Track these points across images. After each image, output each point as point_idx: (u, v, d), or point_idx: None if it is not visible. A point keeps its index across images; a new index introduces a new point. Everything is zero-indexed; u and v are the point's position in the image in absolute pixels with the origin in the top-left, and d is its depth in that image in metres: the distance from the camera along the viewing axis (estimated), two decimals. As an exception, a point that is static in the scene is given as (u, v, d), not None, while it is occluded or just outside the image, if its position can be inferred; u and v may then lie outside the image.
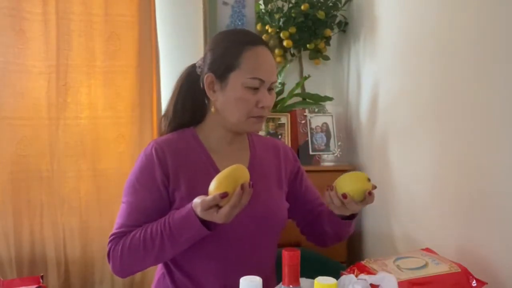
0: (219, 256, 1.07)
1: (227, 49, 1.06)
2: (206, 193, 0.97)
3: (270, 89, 1.08)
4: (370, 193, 1.02)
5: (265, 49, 1.07)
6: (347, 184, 1.03)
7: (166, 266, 1.13)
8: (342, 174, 1.06)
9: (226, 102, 1.07)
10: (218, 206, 0.92)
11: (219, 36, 1.13)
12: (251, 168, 1.10)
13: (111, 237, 1.07)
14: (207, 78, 1.08)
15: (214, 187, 0.93)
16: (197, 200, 0.94)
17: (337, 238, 1.21)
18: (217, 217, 0.92)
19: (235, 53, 1.05)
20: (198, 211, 0.93)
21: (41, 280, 1.65)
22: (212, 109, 1.10)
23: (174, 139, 1.12)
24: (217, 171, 1.07)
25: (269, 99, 1.07)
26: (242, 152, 1.17)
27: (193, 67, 1.15)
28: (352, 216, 1.14)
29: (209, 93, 1.09)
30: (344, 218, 1.12)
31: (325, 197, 1.07)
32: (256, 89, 1.05)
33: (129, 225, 1.06)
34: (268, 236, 1.15)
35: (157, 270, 1.18)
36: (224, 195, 0.90)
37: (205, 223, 0.95)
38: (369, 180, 1.03)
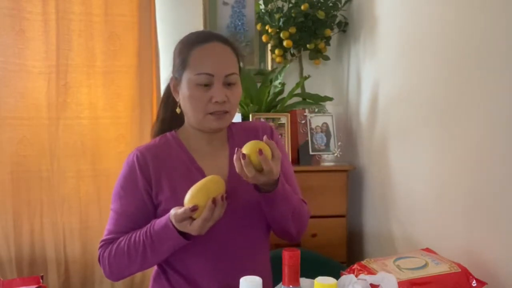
0: (208, 253, 1.07)
1: (180, 51, 1.10)
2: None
3: (229, 84, 1.06)
4: (260, 152, 0.94)
5: (216, 44, 1.07)
6: (246, 147, 0.97)
7: (160, 265, 1.14)
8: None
9: (183, 101, 1.09)
10: (191, 218, 0.94)
11: (180, 39, 1.16)
12: (231, 160, 1.04)
13: (101, 244, 1.09)
14: (171, 81, 1.13)
15: (187, 199, 0.94)
16: (172, 212, 0.96)
17: (278, 223, 1.10)
18: (190, 229, 0.94)
19: (185, 53, 1.07)
20: (174, 222, 0.96)
21: (41, 280, 1.65)
22: (177, 110, 1.13)
23: (156, 144, 1.14)
24: (198, 169, 1.10)
25: (222, 94, 1.03)
26: (222, 148, 1.16)
27: None
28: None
29: (174, 95, 1.13)
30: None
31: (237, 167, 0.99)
32: (207, 85, 1.04)
33: (117, 231, 1.09)
34: (256, 227, 1.13)
35: (153, 270, 1.18)
36: (194, 209, 0.92)
37: (183, 233, 0.97)
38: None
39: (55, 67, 1.95)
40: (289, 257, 0.69)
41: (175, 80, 1.11)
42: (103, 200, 2.04)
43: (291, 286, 0.69)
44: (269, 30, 2.15)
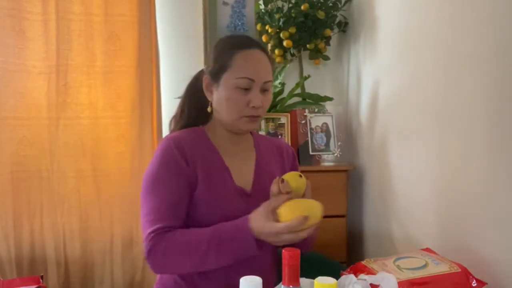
0: None
1: (221, 52, 1.12)
2: (221, 191, 1.06)
3: (264, 90, 1.11)
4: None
5: (258, 52, 1.11)
6: (287, 174, 1.07)
7: None
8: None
9: (219, 102, 1.12)
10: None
11: (219, 40, 1.19)
12: (257, 168, 1.17)
13: (151, 235, 1.03)
14: (204, 80, 1.15)
15: (303, 209, 0.96)
16: (262, 220, 0.96)
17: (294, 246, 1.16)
18: (279, 239, 0.95)
19: (228, 55, 1.10)
20: (260, 226, 0.96)
21: (41, 280, 1.65)
22: (209, 109, 1.16)
23: (187, 135, 1.15)
24: (226, 169, 1.13)
25: (259, 99, 1.08)
26: (249, 152, 1.21)
27: (201, 71, 1.22)
28: None
29: (207, 94, 1.15)
30: None
31: (272, 189, 1.06)
32: (247, 89, 1.08)
33: (165, 220, 1.05)
34: None
35: None
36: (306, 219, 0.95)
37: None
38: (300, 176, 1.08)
39: (55, 67, 1.95)
40: (289, 257, 0.69)
41: (210, 79, 1.13)
42: (103, 200, 2.04)
43: (291, 286, 0.69)
44: (269, 30, 2.15)
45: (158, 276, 1.19)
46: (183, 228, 1.06)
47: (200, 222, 1.06)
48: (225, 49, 1.12)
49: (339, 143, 2.10)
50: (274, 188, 1.04)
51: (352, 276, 0.94)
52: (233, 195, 1.12)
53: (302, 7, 2.08)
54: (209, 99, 1.15)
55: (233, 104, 1.09)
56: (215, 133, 1.17)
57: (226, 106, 1.10)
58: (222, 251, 0.99)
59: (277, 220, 0.96)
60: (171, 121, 1.26)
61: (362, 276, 0.96)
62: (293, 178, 1.04)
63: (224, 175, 1.12)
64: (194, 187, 1.08)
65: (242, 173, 1.16)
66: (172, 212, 1.06)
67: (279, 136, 2.06)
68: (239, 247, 0.99)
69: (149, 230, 1.04)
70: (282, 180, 1.03)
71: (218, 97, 1.11)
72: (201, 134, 1.17)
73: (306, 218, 0.94)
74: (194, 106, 1.21)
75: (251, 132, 1.25)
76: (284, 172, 1.22)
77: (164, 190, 1.07)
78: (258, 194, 1.12)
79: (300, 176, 1.06)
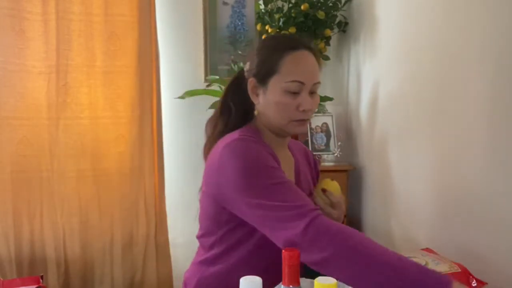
0: (273, 252, 0.94)
1: (269, 55, 1.06)
2: None
3: (312, 92, 1.07)
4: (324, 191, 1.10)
5: (306, 53, 1.06)
6: (320, 185, 1.14)
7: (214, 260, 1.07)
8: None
9: (267, 106, 1.06)
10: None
11: (264, 41, 1.15)
12: (296, 172, 1.15)
13: (315, 212, 0.88)
14: (250, 83, 1.09)
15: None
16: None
17: None
18: None
19: (276, 58, 1.05)
20: None
21: (41, 280, 1.65)
22: (255, 112, 1.11)
23: (251, 135, 1.06)
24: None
25: (310, 103, 1.04)
26: (289, 156, 1.17)
27: (242, 71, 1.15)
28: None
29: (252, 97, 1.10)
30: None
31: (319, 202, 1.07)
32: (296, 93, 1.03)
33: (304, 198, 0.93)
34: None
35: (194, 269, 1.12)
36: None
37: None
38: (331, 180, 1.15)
39: (55, 67, 1.95)
40: (289, 257, 0.69)
41: (256, 82, 1.08)
42: (103, 200, 2.04)
43: (291, 286, 0.69)
44: (269, 30, 2.15)
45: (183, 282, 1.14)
46: None
47: (251, 226, 0.96)
48: (272, 51, 1.06)
49: (339, 143, 2.10)
50: (319, 201, 1.05)
51: (352, 276, 0.94)
52: None
53: (302, 7, 2.08)
54: (255, 102, 1.09)
55: (283, 108, 1.04)
56: (265, 136, 1.10)
57: (275, 110, 1.05)
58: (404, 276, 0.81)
59: None
60: (207, 123, 1.17)
61: (362, 276, 0.95)
62: (331, 186, 1.09)
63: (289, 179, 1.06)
64: None
65: (287, 176, 1.08)
66: (299, 192, 0.94)
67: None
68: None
69: (306, 219, 0.86)
70: (325, 191, 1.06)
71: (265, 101, 1.06)
72: (259, 136, 1.09)
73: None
74: (240, 106, 1.13)
75: None
76: (313, 177, 1.24)
77: (278, 173, 0.96)
78: None
79: (332, 180, 1.11)
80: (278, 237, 0.89)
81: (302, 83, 1.03)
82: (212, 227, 1.06)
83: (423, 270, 0.83)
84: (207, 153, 1.11)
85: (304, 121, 1.07)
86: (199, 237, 1.12)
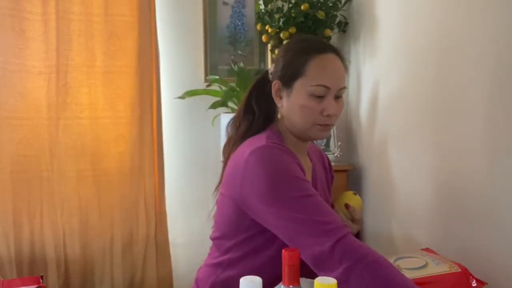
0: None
1: (294, 57, 1.05)
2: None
3: (338, 97, 1.05)
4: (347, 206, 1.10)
5: (332, 56, 1.04)
6: (344, 199, 1.13)
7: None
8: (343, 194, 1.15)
9: (291, 109, 1.05)
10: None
11: (290, 43, 1.13)
12: (314, 177, 1.13)
13: (339, 235, 0.86)
14: (274, 85, 1.08)
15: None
16: None
17: None
18: None
19: (301, 61, 1.03)
20: None
21: (41, 280, 1.65)
22: (279, 115, 1.09)
23: (277, 138, 1.05)
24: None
25: (334, 107, 1.03)
26: (307, 160, 1.15)
27: (267, 73, 1.14)
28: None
29: (276, 99, 1.08)
30: None
31: (341, 215, 1.07)
32: (321, 97, 1.02)
33: (337, 221, 0.91)
34: None
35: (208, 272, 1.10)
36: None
37: None
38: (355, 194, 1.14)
39: (55, 67, 1.95)
40: (289, 257, 0.69)
41: (280, 85, 1.06)
42: (103, 200, 2.04)
43: (291, 286, 0.69)
44: (269, 30, 2.15)
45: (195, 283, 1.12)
46: None
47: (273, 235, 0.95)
48: (298, 54, 1.04)
49: (339, 143, 2.10)
50: (342, 216, 1.04)
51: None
52: None
53: (302, 7, 2.08)
54: (278, 105, 1.07)
55: (307, 112, 1.02)
56: (287, 140, 1.08)
57: (299, 114, 1.03)
58: None
59: None
60: (230, 124, 1.15)
61: (362, 276, 0.95)
62: (355, 202, 1.09)
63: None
64: None
65: None
66: (326, 206, 0.92)
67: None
68: None
69: (334, 238, 0.86)
70: (348, 206, 1.07)
71: (290, 104, 1.04)
72: (283, 141, 1.07)
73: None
74: (264, 109, 1.11)
75: None
76: (328, 180, 1.23)
77: (307, 186, 0.94)
78: None
79: (355, 194, 1.09)
80: (304, 253, 0.87)
81: (327, 87, 1.01)
82: (231, 231, 1.04)
83: None
84: (228, 153, 1.10)
85: (328, 126, 1.05)
86: (214, 238, 1.09)
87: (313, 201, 0.92)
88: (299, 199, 0.91)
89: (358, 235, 1.12)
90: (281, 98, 1.07)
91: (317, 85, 1.01)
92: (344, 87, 1.06)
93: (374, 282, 0.82)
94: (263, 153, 0.96)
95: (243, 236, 1.02)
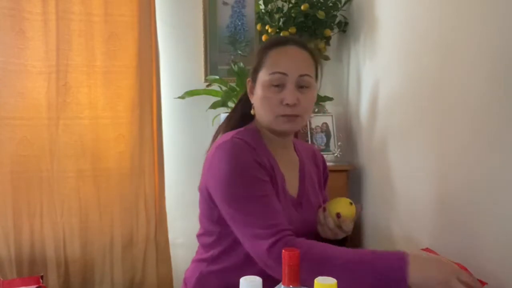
0: None
1: (258, 54, 1.09)
2: (282, 199, 1.01)
3: (302, 86, 1.03)
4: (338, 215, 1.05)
5: (293, 47, 1.05)
6: (338, 206, 1.07)
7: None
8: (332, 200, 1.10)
9: (257, 103, 1.07)
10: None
11: (260, 43, 1.16)
12: (301, 174, 1.13)
13: (277, 237, 0.90)
14: (247, 83, 1.11)
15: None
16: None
17: None
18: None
19: (262, 55, 1.06)
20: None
21: (41, 280, 1.65)
22: (252, 112, 1.10)
23: (249, 135, 1.05)
24: (281, 174, 1.06)
25: (294, 96, 1.00)
26: (293, 157, 1.16)
27: None
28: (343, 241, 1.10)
29: (250, 97, 1.10)
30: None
31: (319, 218, 1.07)
32: (280, 86, 1.02)
33: (281, 218, 0.94)
34: (311, 237, 1.11)
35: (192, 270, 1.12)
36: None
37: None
38: (351, 203, 1.09)
39: (55, 67, 1.95)
40: (289, 257, 0.69)
41: (251, 82, 1.09)
42: (103, 200, 2.04)
43: (291, 286, 0.69)
44: (269, 30, 2.15)
45: (183, 282, 1.14)
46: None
47: None
48: (261, 50, 1.08)
49: (339, 143, 2.10)
50: (330, 222, 1.03)
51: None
52: (289, 204, 1.05)
53: (302, 7, 2.08)
54: (251, 101, 1.09)
55: (267, 102, 1.02)
56: (264, 135, 1.09)
57: (261, 106, 1.04)
58: (374, 272, 0.85)
59: None
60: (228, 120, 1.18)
61: (362, 276, 0.95)
62: (348, 212, 1.05)
63: (282, 181, 1.05)
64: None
65: (291, 180, 1.09)
66: (274, 210, 0.95)
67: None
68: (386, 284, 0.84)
69: (273, 239, 0.90)
70: (339, 216, 1.03)
71: (255, 99, 1.06)
72: (257, 134, 1.08)
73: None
74: (245, 107, 1.14)
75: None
76: (320, 178, 1.22)
77: (256, 187, 0.96)
78: (304, 202, 1.08)
79: (351, 203, 1.05)
80: (248, 248, 0.94)
81: (284, 74, 1.01)
82: (209, 226, 1.06)
83: (378, 254, 0.88)
84: (210, 146, 1.13)
85: (291, 117, 1.03)
86: (198, 236, 1.12)
87: (261, 203, 0.94)
88: (248, 199, 0.94)
89: (345, 239, 1.11)
90: (253, 94, 1.09)
91: (273, 73, 1.02)
92: (307, 75, 1.03)
93: (311, 269, 0.85)
94: (226, 148, 0.98)
95: (219, 230, 1.03)
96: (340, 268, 0.86)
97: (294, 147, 1.18)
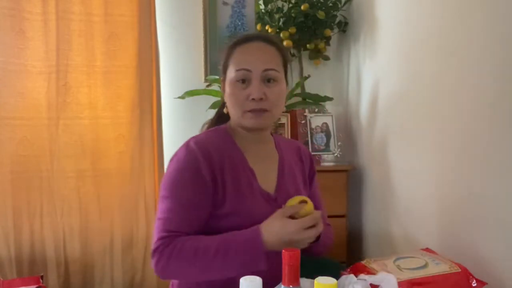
0: None
1: (225, 51, 1.10)
2: (248, 195, 1.03)
3: (268, 80, 1.04)
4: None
5: (257, 43, 1.07)
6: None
7: None
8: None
9: (227, 101, 1.09)
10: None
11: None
12: (280, 170, 1.13)
13: (161, 239, 1.00)
14: (221, 82, 1.13)
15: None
16: (280, 223, 0.95)
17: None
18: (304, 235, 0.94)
19: (228, 53, 1.08)
20: (280, 230, 0.95)
21: (41, 280, 1.65)
22: (225, 110, 1.12)
23: (212, 137, 1.10)
24: (251, 170, 1.08)
25: (260, 91, 1.02)
26: (271, 154, 1.16)
27: None
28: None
29: (224, 96, 1.12)
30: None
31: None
32: (245, 82, 1.03)
33: (179, 224, 1.01)
34: None
35: None
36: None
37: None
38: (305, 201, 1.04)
39: (55, 67, 1.95)
40: (289, 257, 0.69)
41: (222, 81, 1.11)
42: (103, 200, 2.04)
43: (291, 286, 0.69)
44: (269, 30, 2.15)
45: (171, 282, 1.16)
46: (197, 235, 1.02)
47: (226, 228, 1.00)
48: (226, 49, 1.10)
49: (339, 143, 2.10)
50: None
51: (352, 276, 0.94)
52: (259, 199, 1.07)
53: (302, 7, 2.08)
54: (225, 100, 1.11)
55: (234, 99, 1.04)
56: (236, 133, 1.12)
57: (230, 103, 1.06)
58: (229, 263, 0.95)
59: None
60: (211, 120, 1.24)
61: (362, 276, 0.95)
62: (303, 212, 1.01)
63: (249, 177, 1.07)
64: (219, 193, 1.03)
65: (266, 176, 1.10)
66: (188, 217, 1.01)
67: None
68: (247, 261, 0.95)
69: (160, 234, 1.00)
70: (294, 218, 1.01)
71: (226, 96, 1.09)
72: (224, 133, 1.12)
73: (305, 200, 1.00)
74: (221, 107, 1.18)
75: (271, 133, 1.19)
76: (305, 173, 1.21)
77: (182, 194, 1.02)
78: (282, 198, 1.07)
79: (304, 201, 1.02)
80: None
81: (248, 70, 1.03)
82: None
83: (231, 236, 0.97)
84: None
85: (258, 112, 1.04)
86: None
87: (171, 205, 1.01)
88: (165, 199, 1.03)
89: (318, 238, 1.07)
90: (225, 92, 1.11)
91: (238, 70, 1.04)
92: (272, 69, 1.04)
93: (182, 263, 0.97)
94: (178, 152, 1.06)
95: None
96: (193, 252, 0.96)
97: (275, 143, 1.19)
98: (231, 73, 1.06)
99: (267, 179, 1.10)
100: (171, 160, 1.07)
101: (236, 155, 1.08)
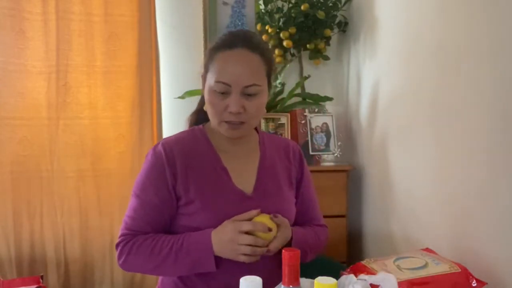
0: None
1: (207, 53, 1.07)
2: (217, 193, 1.03)
3: (249, 94, 1.01)
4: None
5: (241, 52, 1.01)
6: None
7: None
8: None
9: (206, 104, 1.08)
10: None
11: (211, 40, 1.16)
12: (260, 169, 1.12)
13: (125, 234, 1.07)
14: (201, 78, 1.10)
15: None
16: (226, 225, 0.99)
17: None
18: (239, 238, 0.96)
19: (210, 56, 1.05)
20: (222, 232, 0.98)
21: (41, 280, 1.65)
22: (205, 107, 1.10)
23: (184, 137, 1.11)
24: (224, 169, 1.08)
25: (238, 105, 0.99)
26: (252, 152, 1.15)
27: None
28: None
29: (203, 91, 1.11)
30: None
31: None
32: (224, 93, 1.01)
33: (139, 222, 1.06)
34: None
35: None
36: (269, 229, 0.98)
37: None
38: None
39: (55, 67, 1.95)
40: (289, 257, 0.69)
41: (202, 78, 1.09)
42: (103, 200, 2.04)
43: (291, 286, 0.69)
44: (269, 30, 2.15)
45: (159, 278, 1.18)
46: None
47: (197, 227, 1.03)
48: (210, 50, 1.06)
49: (339, 143, 2.10)
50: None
51: (352, 276, 0.94)
52: (231, 198, 1.06)
53: (302, 7, 2.08)
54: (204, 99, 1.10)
55: (212, 107, 1.03)
56: (214, 133, 1.11)
57: (209, 109, 1.05)
58: (180, 262, 1.00)
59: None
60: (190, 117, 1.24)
61: (362, 276, 0.96)
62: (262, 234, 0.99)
63: (221, 175, 1.07)
64: (181, 194, 1.05)
65: (243, 174, 1.09)
66: (149, 219, 1.06)
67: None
68: (195, 261, 0.99)
69: (123, 231, 1.07)
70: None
71: (205, 98, 1.07)
72: (199, 133, 1.12)
73: (270, 229, 0.98)
74: (200, 107, 1.17)
75: (257, 130, 1.18)
76: (291, 172, 1.18)
77: (145, 193, 1.07)
78: (260, 197, 1.07)
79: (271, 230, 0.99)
80: None
81: (227, 84, 1.00)
82: None
83: (187, 237, 1.01)
84: None
85: (235, 125, 1.03)
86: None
87: (136, 204, 1.07)
88: (133, 197, 1.09)
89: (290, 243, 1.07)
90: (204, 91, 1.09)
91: (217, 82, 1.01)
92: (252, 85, 1.00)
93: (139, 259, 1.03)
94: (148, 155, 1.10)
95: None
96: (150, 248, 1.02)
97: (260, 140, 1.17)
98: (210, 80, 1.02)
99: (244, 178, 1.09)
100: (145, 159, 1.11)
101: (208, 155, 1.09)
